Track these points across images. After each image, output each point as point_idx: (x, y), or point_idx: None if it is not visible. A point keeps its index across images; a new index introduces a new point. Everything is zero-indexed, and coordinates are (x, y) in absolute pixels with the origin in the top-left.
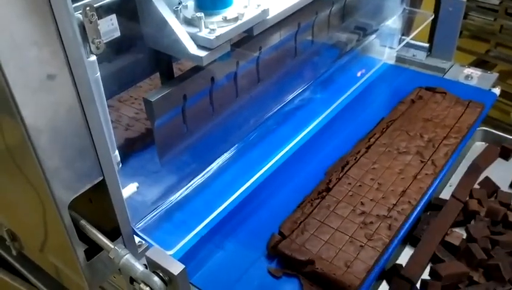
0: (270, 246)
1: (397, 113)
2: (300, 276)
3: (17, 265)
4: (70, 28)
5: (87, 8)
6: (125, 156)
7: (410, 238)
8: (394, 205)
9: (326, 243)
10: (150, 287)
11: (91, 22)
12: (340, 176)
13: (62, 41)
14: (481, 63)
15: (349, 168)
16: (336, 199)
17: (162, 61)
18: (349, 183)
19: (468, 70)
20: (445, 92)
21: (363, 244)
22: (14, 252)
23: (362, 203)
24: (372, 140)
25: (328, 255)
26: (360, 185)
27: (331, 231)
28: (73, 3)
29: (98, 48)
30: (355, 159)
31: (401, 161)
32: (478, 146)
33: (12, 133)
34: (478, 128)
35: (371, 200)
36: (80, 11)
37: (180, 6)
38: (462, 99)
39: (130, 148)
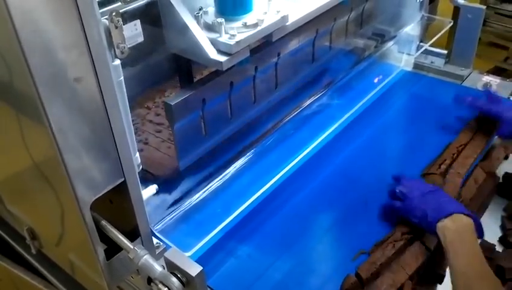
0: (345, 288)
1: (466, 138)
2: None
3: (36, 264)
4: (97, 33)
5: (113, 14)
6: None
7: None
8: None
9: None
10: (168, 288)
11: (116, 27)
12: None
13: (89, 45)
14: (499, 71)
15: None
16: None
17: (182, 65)
18: None
19: (487, 78)
20: None
21: None
22: (33, 251)
23: None
24: (443, 167)
25: None
26: None
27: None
28: (100, 9)
29: (122, 53)
30: None
31: None
32: None
33: (38, 135)
34: (496, 136)
35: None
36: (106, 17)
37: (201, 12)
38: None
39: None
